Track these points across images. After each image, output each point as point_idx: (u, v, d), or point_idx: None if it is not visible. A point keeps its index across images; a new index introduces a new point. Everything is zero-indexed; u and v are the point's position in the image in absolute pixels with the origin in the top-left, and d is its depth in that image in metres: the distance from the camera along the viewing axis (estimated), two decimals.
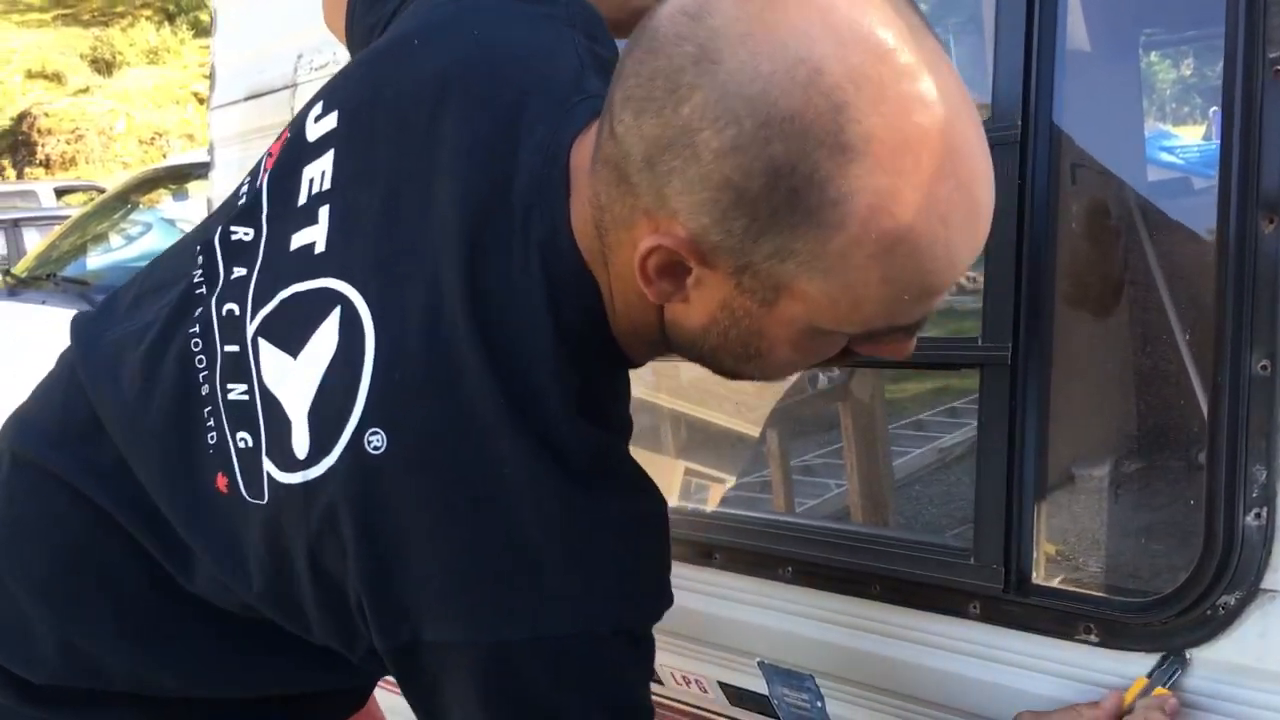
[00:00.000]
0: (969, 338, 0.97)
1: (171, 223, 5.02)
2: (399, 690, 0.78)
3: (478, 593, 0.70)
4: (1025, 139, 0.93)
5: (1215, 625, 0.84)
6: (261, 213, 0.82)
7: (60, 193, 10.24)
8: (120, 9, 20.54)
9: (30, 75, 18.61)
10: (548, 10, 0.82)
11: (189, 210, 4.99)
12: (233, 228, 0.83)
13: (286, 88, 1.70)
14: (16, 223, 7.20)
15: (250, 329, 0.77)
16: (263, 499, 0.74)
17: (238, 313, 0.79)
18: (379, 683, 1.01)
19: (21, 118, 17.20)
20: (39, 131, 16.81)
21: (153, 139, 16.99)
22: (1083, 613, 0.91)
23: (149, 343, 0.82)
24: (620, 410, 0.79)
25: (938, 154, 0.59)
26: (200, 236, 0.86)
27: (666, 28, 0.61)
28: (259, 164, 0.85)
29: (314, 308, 0.74)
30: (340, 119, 0.79)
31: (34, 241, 6.55)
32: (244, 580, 0.77)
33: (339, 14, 0.97)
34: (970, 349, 0.97)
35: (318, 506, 0.71)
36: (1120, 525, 1.25)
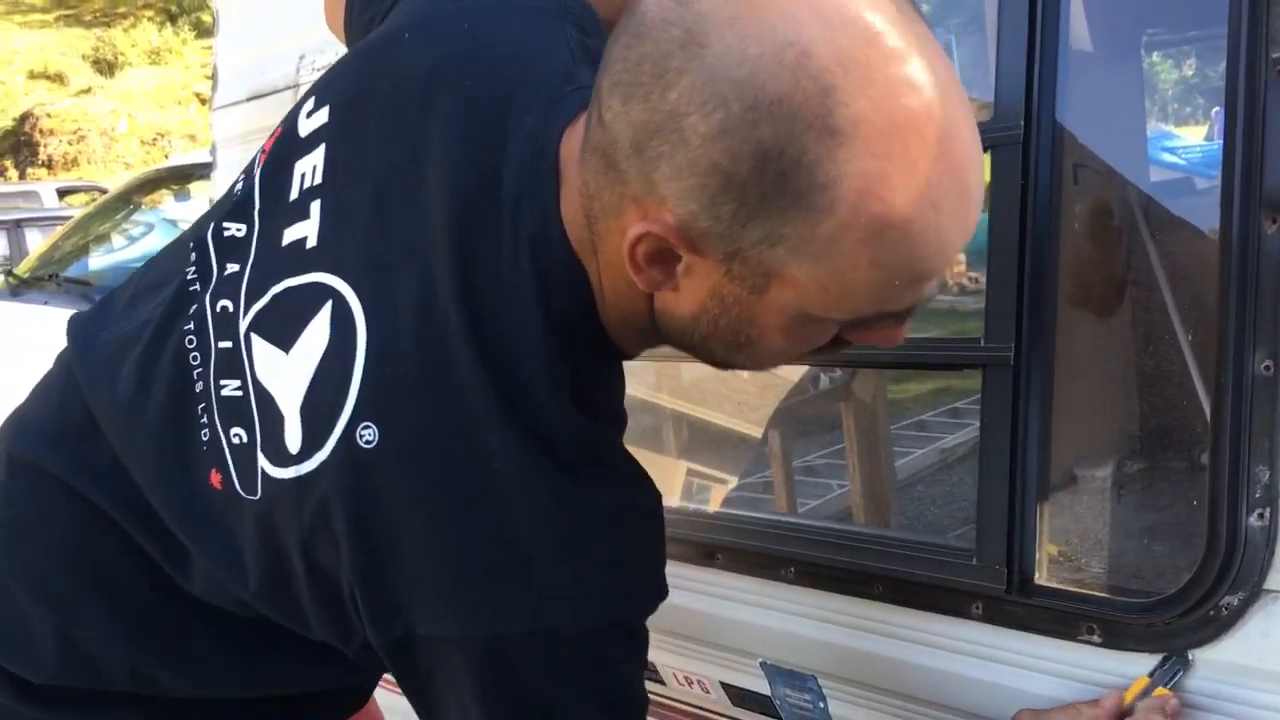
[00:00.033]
0: (972, 338, 0.97)
1: (173, 223, 5.03)
2: (399, 690, 0.78)
3: (470, 588, 0.70)
4: (1028, 139, 0.92)
5: (1218, 626, 0.84)
6: (254, 208, 0.82)
7: (62, 193, 10.25)
8: (122, 10, 20.56)
9: (32, 76, 18.62)
10: (539, 3, 0.82)
11: (191, 211, 5.00)
12: (225, 224, 0.83)
13: (289, 88, 1.71)
14: (19, 223, 7.21)
15: (243, 325, 0.78)
16: (256, 494, 0.74)
17: (231, 309, 0.79)
18: (379, 683, 1.01)
19: (24, 118, 17.22)
20: (41, 132, 16.82)
21: (155, 139, 17.00)
22: (1085, 613, 0.91)
23: (144, 342, 0.82)
24: (611, 401, 0.78)
25: (927, 137, 0.59)
26: (194, 234, 0.86)
27: (654, 13, 0.61)
28: (253, 160, 0.85)
29: (306, 302, 0.75)
30: (332, 113, 0.80)
31: (36, 242, 6.55)
32: (240, 577, 0.77)
33: (338, 13, 0.97)
34: (973, 349, 0.97)
35: (310, 501, 0.71)
36: (1123, 526, 1.25)
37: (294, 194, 0.79)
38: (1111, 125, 1.41)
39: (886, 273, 0.62)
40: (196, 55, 18.75)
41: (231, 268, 0.81)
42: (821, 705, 1.11)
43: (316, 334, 0.73)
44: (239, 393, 0.77)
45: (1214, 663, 0.85)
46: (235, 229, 0.82)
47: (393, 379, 0.70)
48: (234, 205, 0.83)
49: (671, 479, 1.77)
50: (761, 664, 1.13)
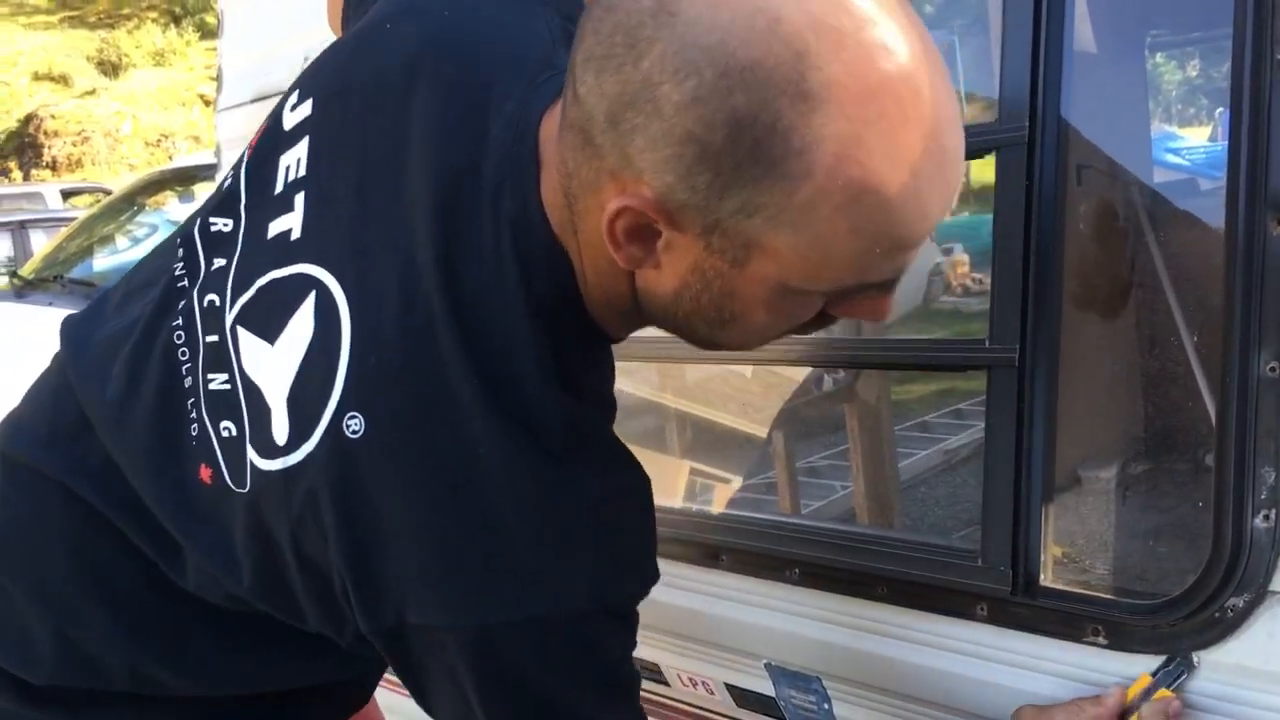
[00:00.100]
0: (976, 339, 0.96)
1: (177, 224, 5.03)
2: (400, 690, 0.78)
3: (457, 577, 0.70)
4: (1033, 140, 0.92)
5: (1224, 628, 0.84)
6: (240, 203, 0.82)
7: (66, 194, 10.26)
8: (126, 11, 20.59)
9: (37, 77, 18.65)
10: None
11: None
12: (212, 219, 0.84)
13: None
14: (23, 224, 7.22)
15: (229, 318, 0.78)
16: (245, 487, 0.75)
17: (218, 303, 0.79)
18: (380, 683, 1.01)
19: (28, 120, 17.25)
20: (45, 133, 16.85)
21: (159, 141, 17.02)
22: (1090, 615, 0.91)
23: (134, 340, 0.82)
24: (598, 385, 0.78)
25: (902, 101, 0.58)
26: (182, 231, 0.86)
27: None
28: (241, 155, 0.86)
29: (290, 294, 0.75)
30: (315, 106, 0.80)
31: (41, 243, 6.57)
32: (234, 573, 0.77)
33: (338, 13, 0.98)
34: (978, 351, 0.97)
35: (298, 493, 0.71)
36: (1128, 527, 1.24)
37: (279, 187, 0.80)
38: (1116, 126, 1.41)
39: (866, 240, 0.61)
40: (200, 57, 18.77)
41: (218, 262, 0.81)
42: (826, 706, 1.11)
43: (301, 325, 0.73)
44: (227, 386, 0.77)
45: (1219, 664, 0.85)
46: (222, 224, 0.83)
47: (377, 368, 0.70)
48: (220, 201, 0.84)
49: (674, 479, 1.77)
50: (766, 665, 1.13)
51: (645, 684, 1.29)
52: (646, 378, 1.79)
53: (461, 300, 0.70)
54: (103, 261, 4.96)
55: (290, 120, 0.81)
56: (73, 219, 6.12)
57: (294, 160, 0.79)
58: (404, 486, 0.70)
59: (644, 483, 0.77)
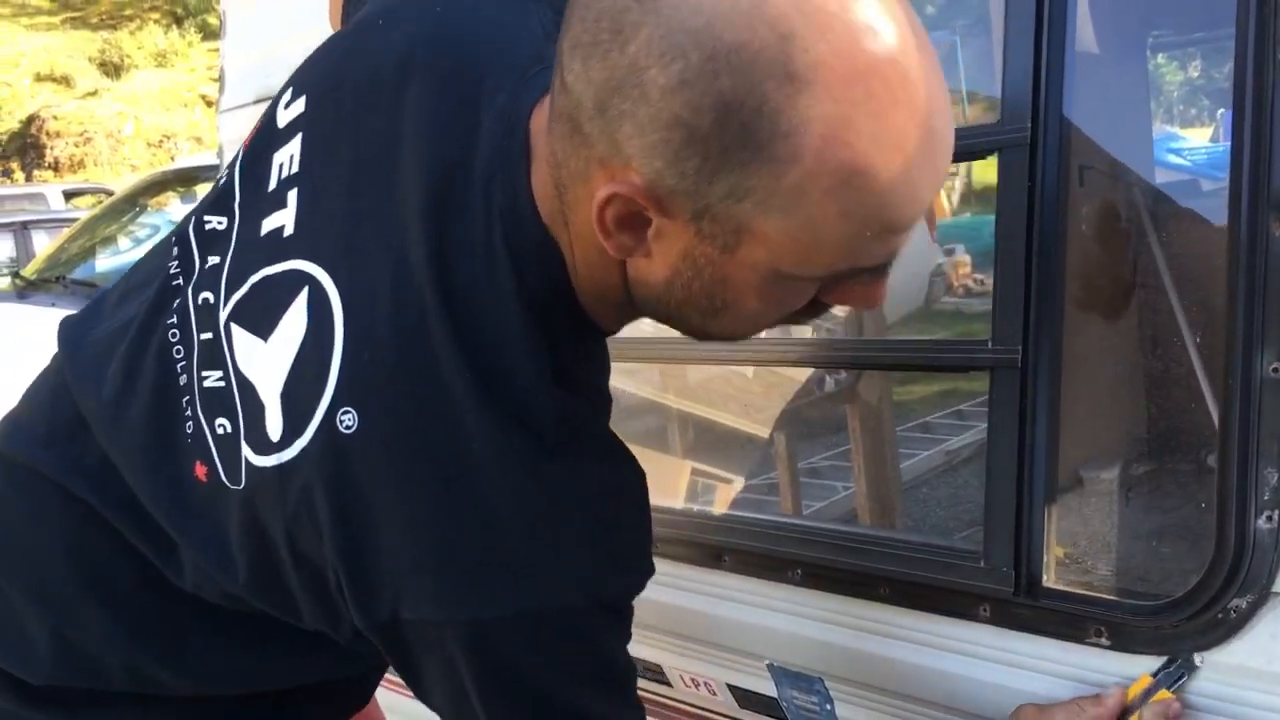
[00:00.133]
0: (979, 340, 0.96)
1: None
2: (400, 690, 0.78)
3: (451, 572, 0.70)
4: (1035, 141, 0.92)
5: (1227, 629, 0.84)
6: (234, 201, 0.83)
7: (69, 195, 10.27)
8: (128, 12, 20.61)
9: (39, 78, 18.67)
10: None
11: None
12: (206, 217, 0.84)
13: None
14: (25, 225, 7.23)
15: (223, 315, 0.78)
16: (240, 484, 0.75)
17: (212, 300, 0.79)
18: (380, 683, 1.01)
19: (30, 120, 17.27)
20: (47, 134, 16.87)
21: (161, 142, 17.04)
22: (1093, 616, 0.91)
23: (130, 339, 0.83)
24: (592, 378, 0.78)
25: (890, 82, 0.58)
26: (177, 230, 0.87)
27: None
28: (236, 154, 0.86)
29: (283, 290, 0.75)
30: (308, 103, 0.80)
31: (43, 244, 6.57)
32: (230, 570, 0.77)
33: (338, 12, 0.98)
34: (980, 352, 0.97)
35: (293, 488, 0.71)
36: (1131, 528, 1.24)
37: (272, 184, 0.80)
38: (1118, 127, 1.41)
39: (857, 223, 0.61)
40: (202, 58, 18.79)
41: (212, 260, 0.81)
42: (828, 707, 1.11)
43: (294, 321, 0.74)
44: (221, 383, 0.77)
45: (1222, 665, 0.85)
46: (216, 222, 0.83)
47: (371, 364, 0.70)
48: (215, 199, 0.84)
49: (676, 480, 1.77)
50: (768, 666, 1.13)
51: (647, 685, 1.29)
52: (648, 378, 1.79)
53: (453, 295, 0.70)
54: (105, 262, 4.97)
55: (284, 118, 0.81)
56: (75, 220, 6.12)
57: (287, 157, 0.79)
58: (397, 481, 0.70)
59: (639, 477, 0.76)
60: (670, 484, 1.72)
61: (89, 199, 9.99)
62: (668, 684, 1.27)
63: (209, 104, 16.38)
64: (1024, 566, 0.93)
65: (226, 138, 1.91)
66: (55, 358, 0.89)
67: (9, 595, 0.84)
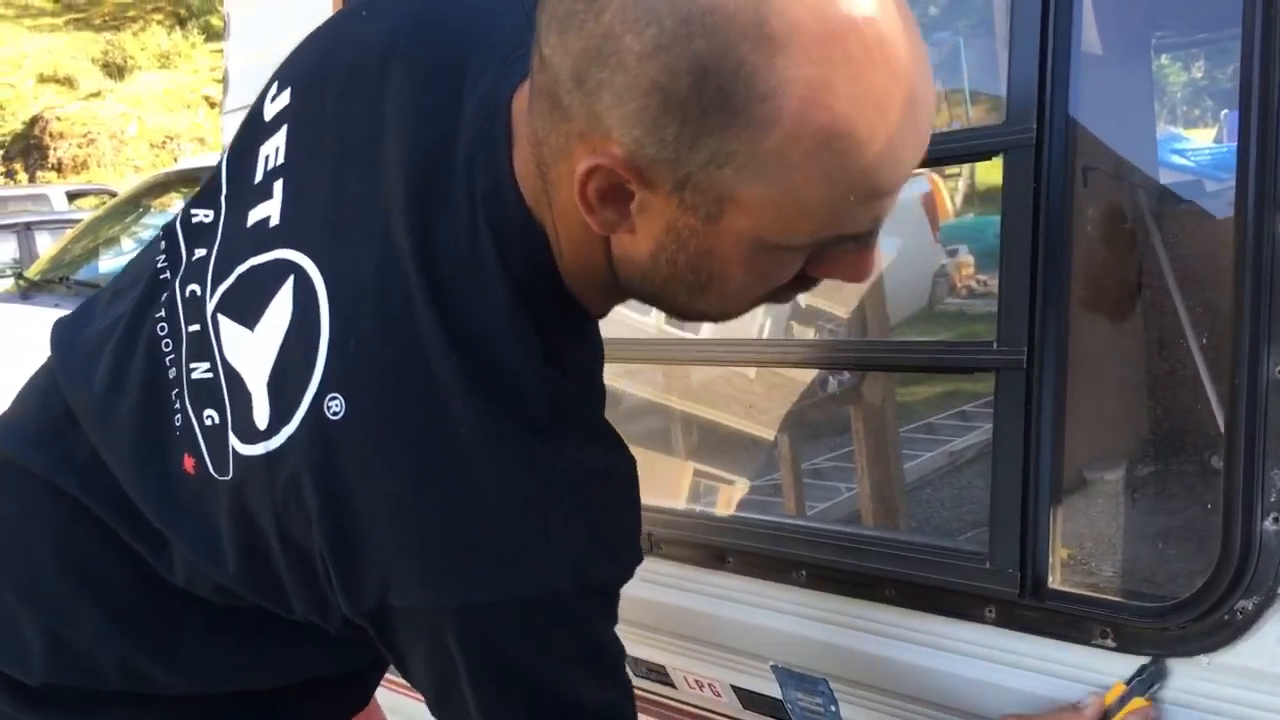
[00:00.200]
0: (984, 341, 0.96)
1: None
2: (400, 690, 0.78)
3: (440, 558, 0.70)
4: (1040, 142, 0.92)
5: (1232, 630, 0.84)
6: (220, 194, 0.83)
7: (72, 196, 10.28)
8: (131, 13, 20.64)
9: (42, 79, 18.70)
10: None
11: None
12: (193, 210, 0.84)
13: None
14: (29, 226, 7.23)
15: (210, 306, 0.78)
16: (228, 475, 0.75)
17: (199, 292, 0.80)
18: (380, 683, 1.01)
19: (33, 121, 17.29)
20: (51, 135, 16.89)
21: (164, 143, 17.06)
22: (1099, 617, 0.90)
23: (119, 334, 0.83)
24: (581, 362, 0.78)
25: (867, 43, 0.58)
26: (165, 226, 0.87)
27: None
28: (223, 149, 0.87)
29: (269, 279, 0.75)
30: (292, 95, 0.80)
31: (46, 245, 6.58)
32: (219, 562, 0.77)
33: None
34: (986, 353, 0.97)
35: (281, 476, 0.71)
36: (1136, 529, 1.24)
37: (258, 176, 0.80)
38: (1122, 128, 1.41)
39: (840, 187, 0.60)
40: (205, 59, 18.82)
41: (199, 252, 0.82)
42: (833, 708, 1.11)
43: (279, 310, 0.74)
44: (209, 375, 0.77)
45: (1228, 667, 0.84)
46: (203, 215, 0.84)
47: (357, 351, 0.70)
48: (202, 193, 0.85)
49: (679, 480, 1.77)
50: (772, 667, 1.13)
51: (651, 686, 1.29)
52: (651, 379, 1.79)
53: (438, 280, 0.70)
54: (108, 263, 4.97)
55: (270, 111, 0.82)
56: (78, 221, 6.13)
57: (273, 149, 0.80)
58: (384, 468, 0.70)
59: (630, 463, 0.76)
60: (673, 485, 1.71)
61: (92, 200, 10.01)
62: (672, 685, 1.27)
63: (212, 105, 16.40)
64: (1029, 568, 0.93)
65: (230, 139, 1.91)
66: (48, 359, 0.89)
67: (3, 596, 0.85)
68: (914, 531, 2.25)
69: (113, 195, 8.10)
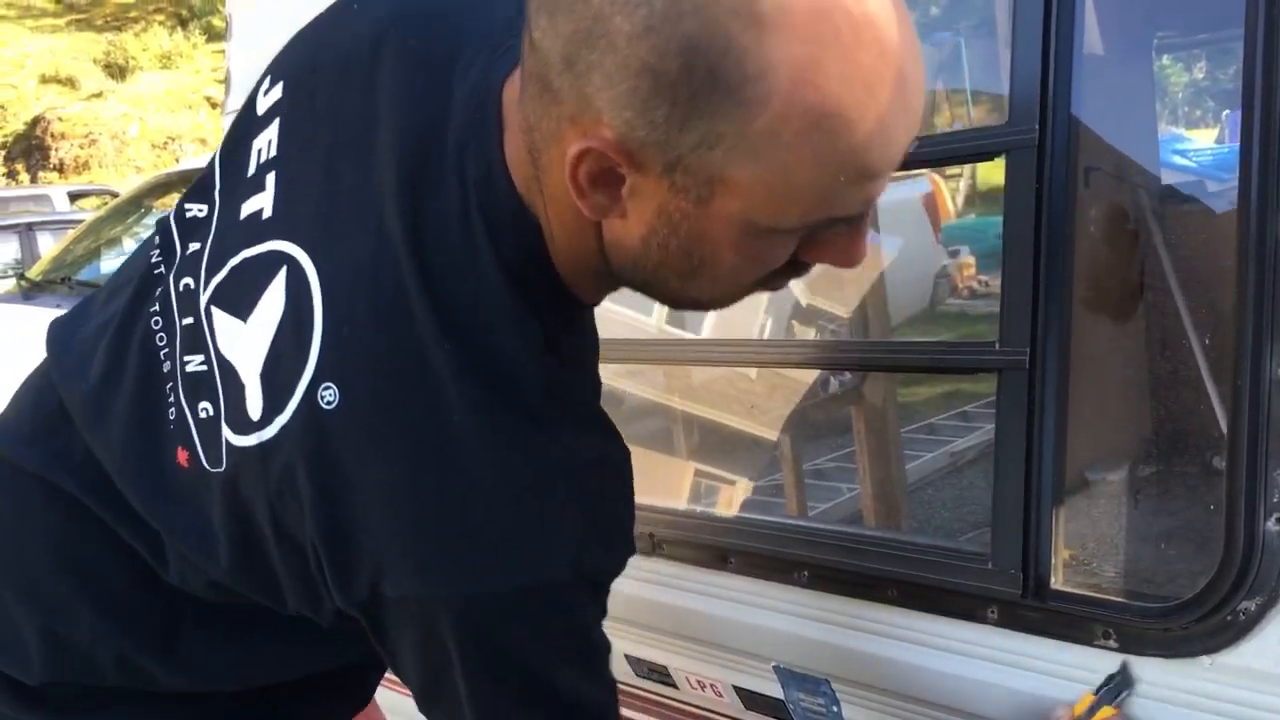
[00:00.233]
0: (986, 342, 0.96)
1: None
2: (400, 690, 0.78)
3: (435, 547, 0.69)
4: (1043, 142, 0.92)
5: (1236, 631, 0.84)
6: (214, 189, 0.83)
7: (74, 197, 10.29)
8: (133, 14, 20.66)
9: (44, 80, 18.72)
10: None
11: None
12: (187, 205, 0.85)
13: None
14: (30, 226, 7.24)
15: (203, 299, 0.78)
16: (222, 466, 0.75)
17: (193, 285, 0.80)
18: (380, 683, 1.01)
19: (35, 122, 17.31)
20: (52, 136, 16.91)
21: (165, 143, 17.07)
22: (1101, 618, 0.90)
23: (113, 330, 0.83)
24: (576, 351, 0.78)
25: (855, 22, 0.58)
26: (159, 222, 0.88)
27: None
28: (218, 146, 0.87)
29: (261, 271, 0.75)
30: (284, 89, 0.81)
31: (48, 245, 6.59)
32: (212, 555, 0.77)
33: None
34: (988, 353, 0.97)
35: (275, 466, 0.71)
36: (1139, 530, 1.24)
37: (251, 169, 0.80)
38: (1124, 128, 1.41)
39: (830, 168, 0.60)
40: (207, 59, 18.83)
41: (193, 247, 0.82)
42: (835, 709, 1.10)
43: (272, 301, 0.74)
44: (203, 367, 0.77)
45: (1231, 668, 0.84)
46: (196, 209, 0.84)
47: (350, 339, 0.70)
48: (196, 188, 0.85)
49: (680, 481, 1.77)
50: (775, 668, 1.13)
51: (653, 687, 1.29)
52: (653, 380, 1.79)
53: (431, 269, 0.70)
54: (110, 264, 4.97)
55: (262, 105, 0.82)
56: (80, 221, 6.14)
57: (265, 142, 0.80)
58: (379, 456, 0.69)
59: (624, 453, 0.76)
60: (675, 486, 1.71)
61: (94, 201, 10.02)
62: (674, 686, 1.27)
63: (214, 106, 16.42)
64: (1032, 568, 0.93)
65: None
66: (44, 359, 0.89)
67: (3, 596, 0.85)
68: (916, 532, 2.25)
69: (114, 196, 8.11)
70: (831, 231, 0.66)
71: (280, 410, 0.71)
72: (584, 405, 0.75)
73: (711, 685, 1.23)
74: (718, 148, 0.60)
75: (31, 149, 16.98)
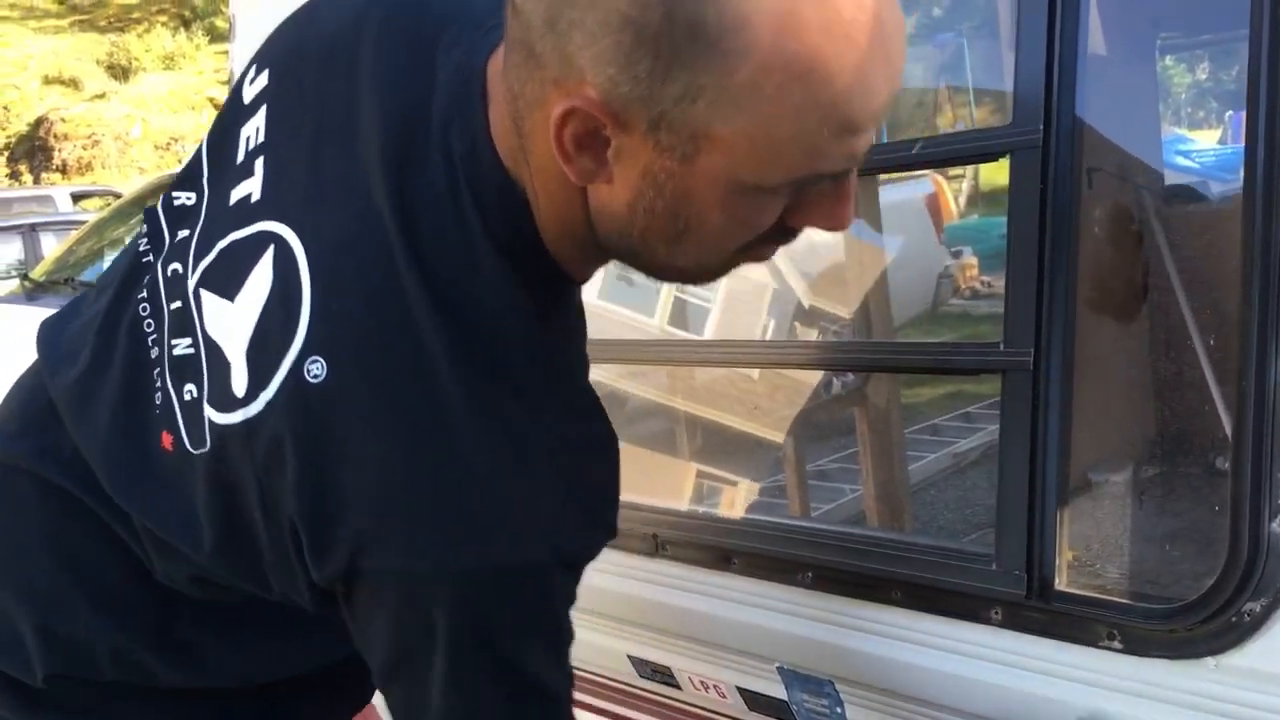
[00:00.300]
0: (991, 343, 0.96)
1: None
2: None
3: (420, 524, 0.69)
4: (1047, 143, 0.92)
5: (1240, 632, 0.83)
6: (202, 177, 0.84)
7: (77, 197, 10.31)
8: (136, 15, 20.70)
9: (47, 81, 18.75)
10: None
11: None
12: (175, 194, 0.85)
13: None
14: (34, 227, 7.26)
15: (191, 282, 0.79)
16: (205, 447, 0.75)
17: (181, 271, 0.80)
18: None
19: (39, 123, 17.35)
20: (56, 137, 16.94)
21: (168, 144, 17.10)
22: (1106, 619, 0.90)
23: (101, 320, 0.83)
24: (565, 327, 0.78)
25: None
26: (146, 211, 0.88)
27: None
28: (205, 136, 0.87)
29: (249, 251, 0.75)
30: (270, 76, 0.81)
31: (51, 246, 6.61)
32: (194, 539, 0.77)
33: None
34: (992, 354, 0.97)
35: (261, 442, 0.71)
36: (1143, 531, 1.24)
37: (240, 157, 0.80)
38: (1128, 129, 1.41)
39: (813, 120, 0.61)
40: (210, 60, 18.86)
41: (182, 234, 0.82)
42: (839, 710, 1.10)
43: (260, 279, 0.74)
44: (190, 350, 0.77)
45: (1236, 669, 0.84)
46: (185, 198, 0.84)
47: (339, 314, 0.70)
48: (183, 177, 0.85)
49: (683, 482, 1.77)
50: (778, 669, 1.13)
51: (656, 687, 1.29)
52: (655, 380, 1.79)
53: (420, 245, 0.70)
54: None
55: (249, 93, 0.82)
56: (83, 222, 6.15)
57: (253, 130, 0.80)
58: (368, 431, 0.69)
59: (612, 435, 0.76)
60: (678, 487, 1.72)
61: (97, 201, 10.03)
62: (677, 687, 1.27)
63: (216, 107, 16.42)
64: (1036, 569, 0.93)
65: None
66: (34, 361, 0.89)
67: (2, 596, 0.85)
68: (919, 533, 2.25)
69: (117, 196, 8.13)
70: (817, 191, 0.66)
71: (265, 385, 0.71)
72: (574, 385, 0.75)
73: (715, 686, 1.22)
74: (700, 100, 0.60)
75: (35, 150, 17.01)
